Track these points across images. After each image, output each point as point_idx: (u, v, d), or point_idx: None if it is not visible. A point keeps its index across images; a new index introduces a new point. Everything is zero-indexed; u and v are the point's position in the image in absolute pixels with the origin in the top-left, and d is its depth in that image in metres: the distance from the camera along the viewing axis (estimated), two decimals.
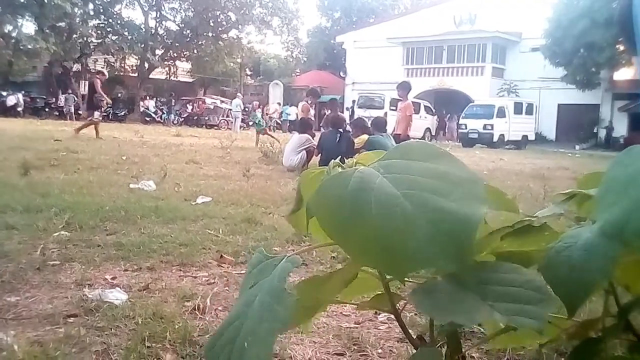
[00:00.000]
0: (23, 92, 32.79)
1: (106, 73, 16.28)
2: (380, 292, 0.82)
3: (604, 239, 0.68)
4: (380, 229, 0.66)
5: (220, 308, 2.78)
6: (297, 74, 52.12)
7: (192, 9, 41.07)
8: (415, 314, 2.61)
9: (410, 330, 0.87)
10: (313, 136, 10.32)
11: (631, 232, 0.65)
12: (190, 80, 47.26)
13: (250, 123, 17.08)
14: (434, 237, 0.65)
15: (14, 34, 34.56)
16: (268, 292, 0.74)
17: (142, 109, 36.50)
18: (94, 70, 39.98)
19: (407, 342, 2.27)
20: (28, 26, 35.64)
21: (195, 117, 35.86)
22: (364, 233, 0.67)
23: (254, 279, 0.81)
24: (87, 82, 42.51)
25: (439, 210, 0.66)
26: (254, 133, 18.26)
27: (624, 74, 32.58)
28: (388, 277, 0.79)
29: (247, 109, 35.48)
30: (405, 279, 0.74)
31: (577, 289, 0.70)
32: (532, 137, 30.82)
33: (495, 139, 27.87)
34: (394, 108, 21.35)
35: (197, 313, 2.68)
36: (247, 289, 0.81)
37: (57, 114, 32.19)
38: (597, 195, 0.73)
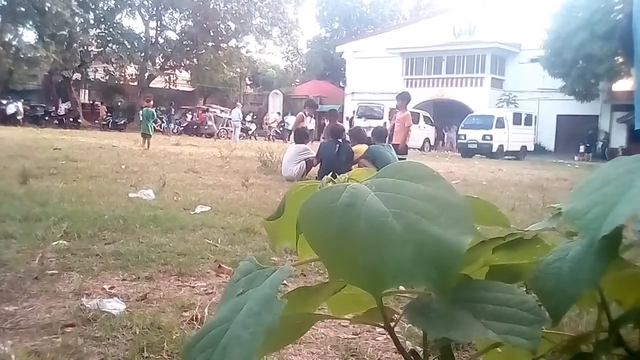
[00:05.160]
0: (23, 100, 32.77)
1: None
2: (374, 307, 0.82)
3: (592, 252, 0.70)
4: (366, 245, 0.67)
5: None
6: (297, 83, 52.23)
7: (192, 19, 41.16)
8: (412, 326, 2.61)
9: (408, 342, 0.88)
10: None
11: (589, 218, 0.67)
12: (190, 89, 47.30)
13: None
14: (418, 260, 0.65)
15: (14, 43, 34.60)
16: (258, 300, 0.74)
17: (141, 118, 36.48)
18: (94, 79, 40.12)
19: None
20: (28, 35, 35.77)
21: (195, 126, 35.87)
22: (349, 248, 0.68)
23: (242, 287, 0.81)
24: (87, 91, 42.69)
25: (425, 234, 0.67)
26: (254, 143, 18.31)
27: (622, 85, 32.64)
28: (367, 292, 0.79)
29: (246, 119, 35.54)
30: (399, 293, 0.75)
31: (564, 298, 0.71)
32: (531, 147, 30.87)
33: (494, 149, 27.92)
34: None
35: (195, 323, 2.68)
36: (233, 296, 0.80)
37: (57, 122, 32.19)
38: (571, 192, 0.75)
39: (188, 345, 0.76)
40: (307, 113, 13.61)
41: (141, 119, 18.58)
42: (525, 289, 0.83)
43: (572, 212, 0.71)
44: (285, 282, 0.80)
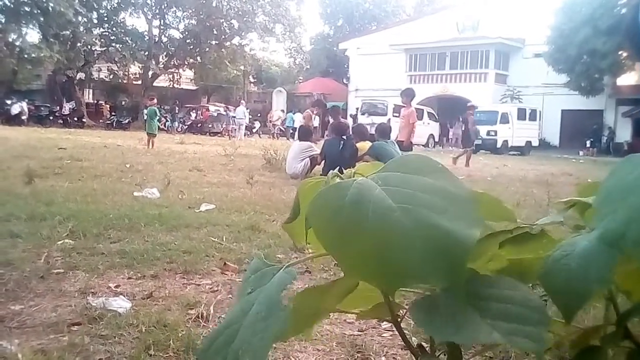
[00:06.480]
0: (27, 100, 32.79)
1: (476, 106, 16.61)
2: (380, 302, 0.82)
3: (602, 247, 0.68)
4: (375, 242, 0.66)
5: (223, 316, 2.78)
6: (300, 81, 52.23)
7: (195, 17, 41.15)
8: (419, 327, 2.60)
9: (413, 338, 0.88)
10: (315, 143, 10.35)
11: (631, 240, 0.65)
12: (194, 87, 47.34)
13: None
14: (428, 255, 0.65)
15: (18, 43, 34.64)
16: (265, 302, 0.75)
17: (145, 117, 36.52)
18: (97, 79, 40.14)
19: None
20: (32, 35, 35.79)
21: (199, 125, 35.89)
22: (359, 246, 0.67)
23: (252, 285, 0.81)
24: (91, 91, 42.74)
25: (434, 228, 0.66)
26: (258, 140, 18.30)
27: (627, 80, 32.58)
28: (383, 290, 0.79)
29: (250, 117, 35.54)
30: (405, 288, 0.74)
31: (575, 297, 0.70)
32: (535, 143, 30.81)
33: (499, 145, 27.86)
34: (397, 115, 21.36)
35: (201, 321, 2.68)
36: (244, 295, 0.81)
37: (61, 122, 32.23)
38: (596, 203, 0.73)
39: (204, 348, 0.77)
40: (315, 112, 13.64)
41: (145, 117, 18.55)
42: (530, 285, 0.82)
43: (609, 233, 0.69)
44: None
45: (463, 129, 17.35)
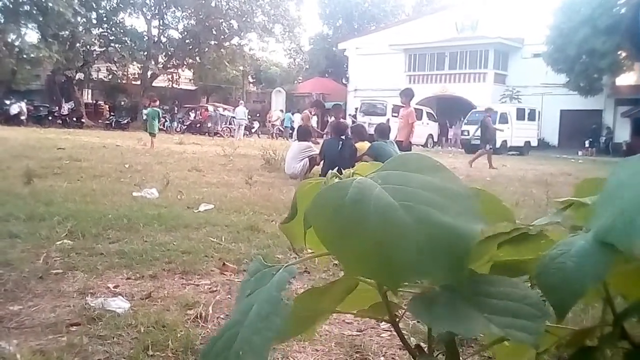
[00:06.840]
0: (26, 100, 32.73)
1: (492, 108, 17.24)
2: (378, 301, 0.82)
3: (598, 246, 0.69)
4: (377, 240, 0.67)
5: (222, 316, 2.78)
6: (300, 81, 52.23)
7: (194, 17, 41.14)
8: (417, 322, 2.61)
9: (412, 338, 0.88)
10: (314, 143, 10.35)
11: (616, 234, 0.66)
12: (193, 88, 47.32)
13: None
14: (431, 251, 0.65)
15: (17, 43, 34.61)
16: (265, 301, 0.75)
17: (144, 117, 36.47)
18: (96, 79, 40.11)
19: None
20: (31, 35, 35.76)
21: (198, 125, 35.83)
22: (361, 243, 0.67)
23: (251, 287, 0.82)
24: (90, 91, 42.71)
25: (437, 225, 0.67)
26: (257, 140, 18.29)
27: (626, 80, 32.58)
28: (385, 287, 0.79)
29: (249, 117, 35.54)
30: (403, 288, 0.74)
31: (569, 294, 0.70)
32: (534, 143, 30.81)
33: (498, 145, 27.81)
34: (396, 115, 21.36)
35: (200, 321, 2.68)
36: (244, 297, 0.81)
37: (60, 122, 32.19)
38: (594, 205, 0.74)
39: (205, 351, 0.77)
40: (313, 112, 13.67)
41: (145, 118, 18.51)
42: (529, 284, 0.82)
43: (601, 229, 0.70)
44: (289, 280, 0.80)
45: (481, 132, 17.75)
